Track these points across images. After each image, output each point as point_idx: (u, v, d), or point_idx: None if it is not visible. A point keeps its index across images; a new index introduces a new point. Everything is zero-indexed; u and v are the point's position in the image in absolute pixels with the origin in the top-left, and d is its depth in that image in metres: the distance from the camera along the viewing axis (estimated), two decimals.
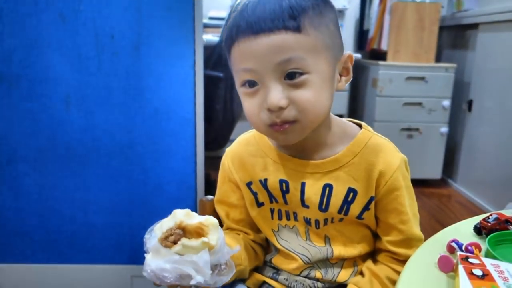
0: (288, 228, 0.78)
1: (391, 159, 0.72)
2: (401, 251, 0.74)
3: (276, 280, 0.81)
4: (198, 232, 0.58)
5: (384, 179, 0.71)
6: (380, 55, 2.90)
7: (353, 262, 0.78)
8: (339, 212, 0.73)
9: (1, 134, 1.38)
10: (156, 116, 1.40)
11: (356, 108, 3.16)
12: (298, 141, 0.69)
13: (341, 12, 3.00)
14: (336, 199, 0.72)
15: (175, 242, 0.58)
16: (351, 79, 0.71)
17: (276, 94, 0.62)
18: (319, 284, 0.78)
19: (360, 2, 3.15)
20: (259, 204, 0.79)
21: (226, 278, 0.61)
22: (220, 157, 0.83)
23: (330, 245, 0.76)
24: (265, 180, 0.76)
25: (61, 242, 1.49)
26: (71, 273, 1.51)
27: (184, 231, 0.58)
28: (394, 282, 0.72)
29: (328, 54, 0.65)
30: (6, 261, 1.49)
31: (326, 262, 0.78)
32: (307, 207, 0.74)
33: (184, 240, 0.57)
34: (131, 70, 1.35)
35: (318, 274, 0.78)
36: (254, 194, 0.78)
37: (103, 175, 1.44)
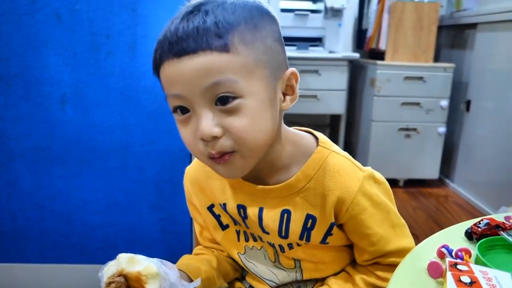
0: (256, 250, 0.74)
1: (350, 182, 0.64)
2: (377, 272, 0.69)
3: None
4: (138, 281, 0.57)
5: (345, 205, 0.64)
6: (378, 55, 2.90)
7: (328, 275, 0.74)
8: (300, 238, 0.68)
9: None
10: (153, 116, 1.40)
11: (354, 108, 3.16)
12: (256, 165, 0.63)
13: (340, 12, 2.99)
14: (295, 226, 0.67)
15: None
16: (297, 98, 0.63)
17: (207, 122, 0.55)
18: None
19: (358, 2, 3.15)
20: (224, 227, 0.75)
21: None
22: None
23: (300, 267, 0.72)
24: (225, 204, 0.71)
25: (57, 242, 1.49)
26: (67, 273, 1.51)
27: (127, 278, 0.58)
28: (369, 284, 0.70)
29: (265, 73, 0.57)
30: (2, 261, 1.49)
31: (299, 282, 0.74)
32: (268, 233, 0.69)
33: None
34: (127, 70, 1.35)
35: None
36: (217, 217, 0.74)
37: (99, 174, 1.44)
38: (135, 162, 1.44)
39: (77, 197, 1.45)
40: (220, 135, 0.56)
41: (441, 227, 2.32)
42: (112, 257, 1.65)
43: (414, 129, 2.78)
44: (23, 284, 1.51)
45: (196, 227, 0.82)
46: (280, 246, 0.70)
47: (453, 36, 3.00)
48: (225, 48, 0.54)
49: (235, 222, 0.73)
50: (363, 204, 0.65)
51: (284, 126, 0.67)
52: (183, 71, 0.55)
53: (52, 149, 1.40)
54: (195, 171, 0.75)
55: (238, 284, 0.82)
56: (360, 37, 3.18)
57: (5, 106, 1.36)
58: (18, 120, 1.37)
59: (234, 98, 0.55)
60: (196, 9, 0.56)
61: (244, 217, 0.70)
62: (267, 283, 0.75)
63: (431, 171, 2.87)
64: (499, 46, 2.44)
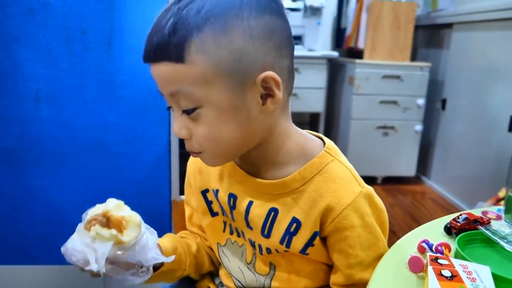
0: (236, 246, 0.73)
1: (343, 193, 0.61)
2: None
3: None
4: (119, 225, 0.59)
5: (331, 216, 0.61)
6: (357, 53, 2.92)
7: None
8: (281, 242, 0.65)
9: None
10: (130, 114, 1.37)
11: (333, 106, 3.18)
12: (248, 157, 0.65)
13: (319, 10, 3.01)
14: (279, 227, 0.65)
15: None
16: (280, 100, 0.58)
17: (176, 124, 0.59)
18: None
19: (337, 1, 3.17)
20: (214, 214, 0.74)
21: (136, 280, 0.62)
22: None
23: (272, 276, 0.70)
24: (217, 190, 0.71)
25: (34, 243, 1.45)
26: (44, 274, 1.47)
27: (108, 221, 0.59)
28: None
29: (227, 81, 0.55)
30: None
31: None
32: (251, 229, 0.68)
33: (97, 227, 0.58)
34: (104, 66, 1.32)
35: None
36: (209, 203, 0.74)
37: (76, 174, 1.41)
38: (113, 160, 1.41)
39: (54, 197, 1.41)
40: (187, 138, 0.60)
41: (418, 222, 2.37)
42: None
43: (392, 127, 2.82)
44: (0, 286, 1.47)
45: (187, 211, 0.82)
46: (259, 246, 0.68)
47: (429, 36, 3.05)
48: (180, 59, 0.53)
49: (223, 213, 0.72)
50: (352, 221, 0.61)
51: (290, 125, 0.65)
52: (154, 75, 0.57)
53: (26, 147, 1.36)
54: None
55: (207, 281, 0.81)
56: (339, 36, 3.20)
57: None
58: None
59: (194, 109, 0.56)
60: (168, 9, 0.55)
61: (233, 207, 0.69)
62: (233, 281, 0.74)
63: (408, 168, 2.92)
64: (474, 45, 2.49)
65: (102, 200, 1.58)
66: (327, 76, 2.88)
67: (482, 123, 2.38)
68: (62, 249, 0.60)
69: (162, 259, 0.63)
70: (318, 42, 3.13)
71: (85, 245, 0.58)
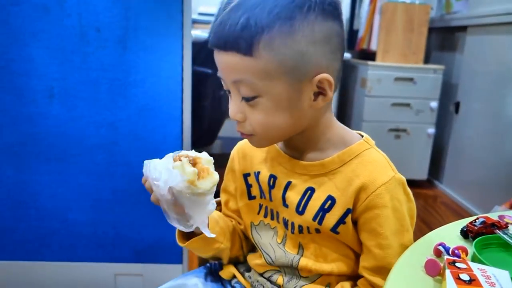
0: (268, 227, 0.77)
1: (379, 174, 0.66)
2: (377, 280, 0.67)
3: (243, 276, 0.82)
4: (200, 173, 0.63)
5: (366, 193, 0.66)
6: (369, 55, 2.90)
7: (327, 282, 0.73)
8: (314, 219, 0.69)
9: None
10: (142, 112, 1.37)
11: (344, 108, 3.16)
12: (292, 142, 0.71)
13: None
14: (314, 204, 0.69)
15: None
16: (331, 99, 0.66)
17: (233, 107, 0.65)
18: None
19: (350, 2, 3.15)
20: (251, 197, 0.79)
21: (176, 226, 0.67)
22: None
23: (301, 255, 0.73)
24: (258, 172, 0.76)
25: (42, 240, 1.45)
26: (52, 271, 1.48)
27: (194, 165, 0.64)
28: None
29: (287, 77, 0.61)
30: None
31: (295, 271, 0.75)
32: (287, 206, 0.72)
33: (184, 161, 0.63)
34: (117, 65, 1.32)
35: (280, 279, 0.76)
36: (249, 186, 0.78)
37: (86, 171, 1.41)
38: (123, 158, 1.41)
39: (63, 193, 1.42)
40: (242, 121, 0.65)
41: (429, 227, 2.34)
42: (99, 255, 1.61)
43: (404, 130, 2.80)
44: (7, 283, 1.48)
45: (223, 198, 0.86)
46: (292, 224, 0.72)
47: (443, 38, 3.02)
48: (248, 53, 0.59)
49: (261, 195, 0.77)
50: (384, 200, 0.65)
51: (332, 116, 0.71)
52: (219, 61, 0.63)
53: (37, 143, 1.36)
54: (244, 142, 0.81)
55: (231, 268, 0.84)
56: (351, 38, 3.18)
57: None
58: (3, 113, 1.33)
59: (254, 97, 0.62)
60: (240, 3, 0.60)
61: (272, 186, 0.74)
62: (263, 256, 0.77)
63: (420, 171, 2.89)
64: (488, 48, 2.46)
65: (111, 197, 1.59)
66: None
67: (496, 127, 2.35)
68: (146, 161, 0.67)
69: (205, 231, 0.66)
70: None
71: (165, 169, 0.63)
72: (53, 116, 1.35)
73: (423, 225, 2.32)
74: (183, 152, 0.65)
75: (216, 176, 0.64)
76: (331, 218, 0.68)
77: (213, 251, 0.79)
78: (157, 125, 1.39)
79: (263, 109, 0.63)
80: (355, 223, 0.69)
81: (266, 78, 0.61)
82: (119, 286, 1.51)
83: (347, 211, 0.67)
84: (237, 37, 0.59)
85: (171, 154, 0.65)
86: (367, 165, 0.67)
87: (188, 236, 0.75)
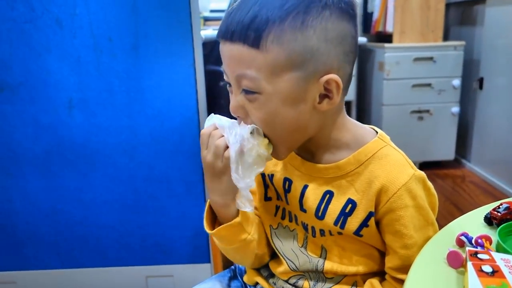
0: (287, 230, 0.75)
1: (398, 174, 0.64)
2: (404, 277, 0.63)
3: (267, 281, 0.79)
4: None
5: (386, 195, 0.63)
6: (386, 38, 2.84)
7: (353, 281, 0.71)
8: (335, 224, 0.67)
9: (7, 139, 1.39)
10: (159, 116, 1.39)
11: (363, 93, 3.11)
12: (303, 144, 0.66)
13: None
14: (334, 209, 0.67)
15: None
16: (337, 103, 0.62)
17: (234, 103, 0.63)
18: None
19: None
20: (267, 198, 0.77)
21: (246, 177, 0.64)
22: None
23: (325, 258, 0.71)
24: (272, 175, 0.74)
25: (73, 246, 1.50)
26: (85, 277, 1.52)
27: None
28: None
29: (293, 74, 0.58)
30: (21, 268, 1.51)
31: (320, 274, 0.73)
32: (305, 211, 0.70)
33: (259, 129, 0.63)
34: (131, 71, 1.34)
35: (306, 284, 0.74)
36: (266, 186, 0.76)
37: (109, 175, 1.44)
38: (144, 161, 1.44)
39: (88, 198, 1.46)
40: (243, 117, 0.63)
41: (459, 209, 2.29)
42: (130, 258, 1.64)
43: (427, 111, 2.73)
44: None
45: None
46: (312, 229, 0.70)
47: (461, 13, 2.93)
48: (255, 45, 0.57)
49: (278, 197, 0.75)
50: (405, 201, 0.63)
51: (343, 118, 0.68)
52: (224, 53, 0.61)
53: (61, 152, 1.40)
54: None
55: (253, 274, 0.81)
56: (366, 21, 3.12)
57: (12, 112, 1.36)
58: (26, 125, 1.38)
59: (254, 92, 0.59)
60: None
61: (287, 190, 0.72)
62: (287, 263, 0.75)
63: (447, 152, 2.82)
64: (509, 20, 2.37)
65: (135, 201, 1.61)
66: (356, 63, 2.82)
67: None
68: (211, 115, 0.67)
69: (248, 206, 0.66)
70: None
71: (231, 123, 0.64)
72: (75, 125, 1.38)
73: (453, 208, 2.27)
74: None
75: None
76: (353, 222, 0.66)
77: (239, 242, 0.73)
78: (174, 127, 1.40)
79: (264, 107, 0.60)
80: (377, 223, 0.67)
81: (270, 73, 0.58)
82: None
83: (370, 214, 0.65)
84: (245, 27, 0.56)
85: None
86: (385, 165, 0.65)
87: (215, 224, 0.73)
